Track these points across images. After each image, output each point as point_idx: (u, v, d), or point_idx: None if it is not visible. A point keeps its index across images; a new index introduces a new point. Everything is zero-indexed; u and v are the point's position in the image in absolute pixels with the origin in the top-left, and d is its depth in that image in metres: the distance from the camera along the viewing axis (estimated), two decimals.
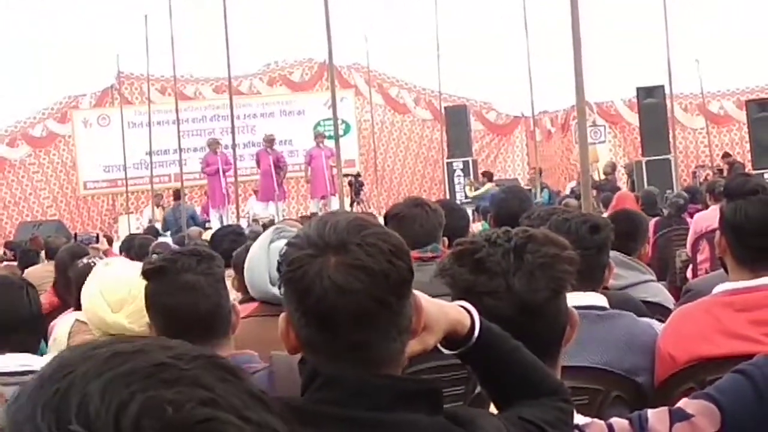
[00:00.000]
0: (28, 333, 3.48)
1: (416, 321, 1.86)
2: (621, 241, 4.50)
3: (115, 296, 3.66)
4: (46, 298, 7.39)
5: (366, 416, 1.73)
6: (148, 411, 0.79)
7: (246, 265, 3.92)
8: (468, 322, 1.96)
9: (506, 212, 5.56)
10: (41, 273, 9.65)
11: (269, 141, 23.11)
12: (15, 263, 12.28)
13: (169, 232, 20.01)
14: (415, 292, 1.87)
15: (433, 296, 1.99)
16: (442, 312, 1.93)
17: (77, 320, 4.65)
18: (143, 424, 0.78)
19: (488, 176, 24.10)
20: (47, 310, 6.96)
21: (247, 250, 4.21)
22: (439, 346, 1.97)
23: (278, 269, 1.84)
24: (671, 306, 4.75)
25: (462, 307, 1.98)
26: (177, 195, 22.38)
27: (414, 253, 4.13)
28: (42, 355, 4.48)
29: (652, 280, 5.06)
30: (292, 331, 1.83)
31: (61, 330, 4.88)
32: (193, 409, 0.79)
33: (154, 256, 7.74)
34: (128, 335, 0.89)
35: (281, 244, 1.92)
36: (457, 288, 2.20)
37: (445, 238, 4.67)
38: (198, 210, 24.59)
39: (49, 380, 0.84)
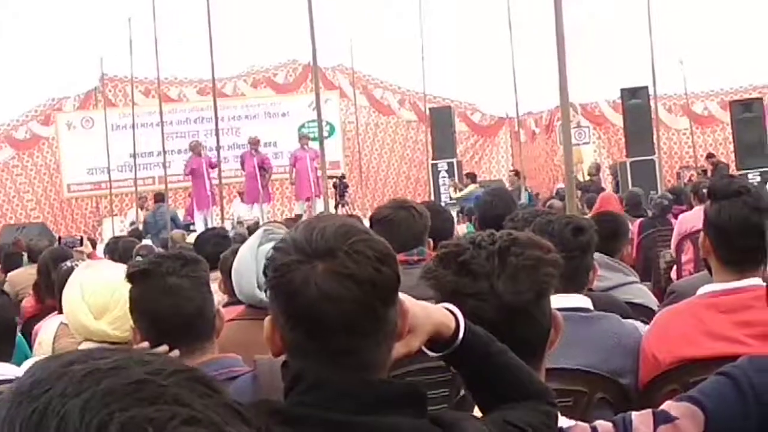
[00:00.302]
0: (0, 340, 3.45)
1: (402, 325, 1.86)
2: (604, 243, 4.50)
3: (97, 302, 3.64)
4: (29, 301, 7.37)
5: (349, 419, 1.72)
6: None
7: (234, 268, 3.91)
8: (453, 324, 1.96)
9: (491, 214, 5.56)
10: (24, 276, 9.62)
11: (254, 143, 23.11)
12: None
13: (149, 235, 19.93)
14: (401, 295, 1.87)
15: (419, 299, 1.99)
16: (427, 314, 1.93)
17: (62, 323, 4.63)
18: None
19: (472, 177, 24.12)
20: (30, 314, 6.95)
21: (234, 253, 4.20)
22: (423, 348, 1.97)
23: (264, 273, 1.84)
24: (655, 307, 4.76)
25: (447, 309, 1.98)
26: (158, 197, 22.35)
27: (400, 257, 4.12)
28: (26, 358, 4.47)
29: (635, 282, 5.07)
30: (277, 335, 1.83)
31: (46, 334, 4.85)
32: (175, 429, 0.78)
33: (138, 258, 7.74)
34: (108, 344, 0.88)
35: (270, 247, 1.91)
36: (441, 290, 2.20)
37: (430, 240, 4.67)
38: (180, 213, 24.57)
39: (27, 397, 0.83)
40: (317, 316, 1.76)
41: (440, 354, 1.99)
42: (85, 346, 3.60)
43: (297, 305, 1.76)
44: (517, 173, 24.70)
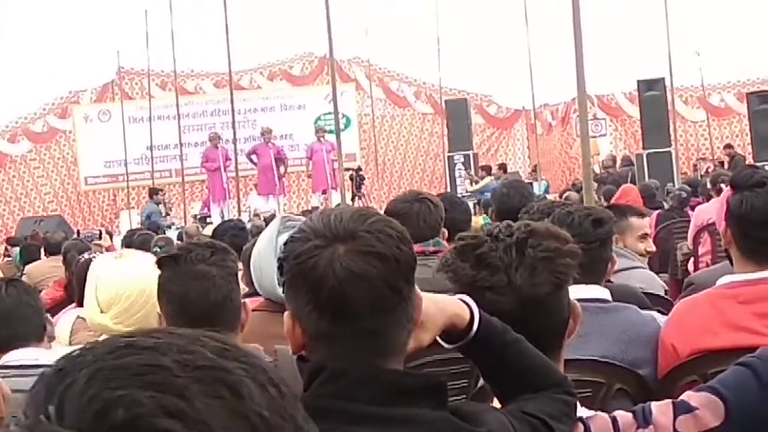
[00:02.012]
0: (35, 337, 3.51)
1: (416, 314, 1.86)
2: None
3: (104, 297, 3.67)
4: (49, 293, 7.40)
5: (369, 410, 1.73)
6: (104, 411, 0.78)
7: (253, 262, 3.88)
8: (467, 315, 1.96)
9: (508, 207, 5.55)
10: (43, 269, 9.68)
11: (268, 133, 23.10)
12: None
13: None
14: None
15: (436, 292, 2.00)
16: (439, 308, 1.94)
17: (78, 317, 4.64)
18: (97, 423, 0.77)
19: (487, 170, 24.09)
20: (49, 306, 6.96)
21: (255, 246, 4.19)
22: (438, 339, 1.97)
23: (280, 266, 1.84)
24: (661, 292, 4.76)
25: (462, 300, 1.99)
26: (151, 192, 22.54)
27: (416, 247, 4.13)
28: None
29: (640, 267, 5.06)
30: (298, 329, 1.82)
31: (63, 328, 4.85)
32: (148, 417, 0.77)
33: (156, 249, 7.76)
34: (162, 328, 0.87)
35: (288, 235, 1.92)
36: (459, 283, 2.20)
37: (445, 231, 4.67)
38: (197, 206, 24.70)
39: (68, 356, 0.85)
40: (344, 298, 1.76)
41: (455, 345, 2.00)
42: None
43: (323, 289, 1.76)
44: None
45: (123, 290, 3.55)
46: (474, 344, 1.98)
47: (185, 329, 0.89)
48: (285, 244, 1.85)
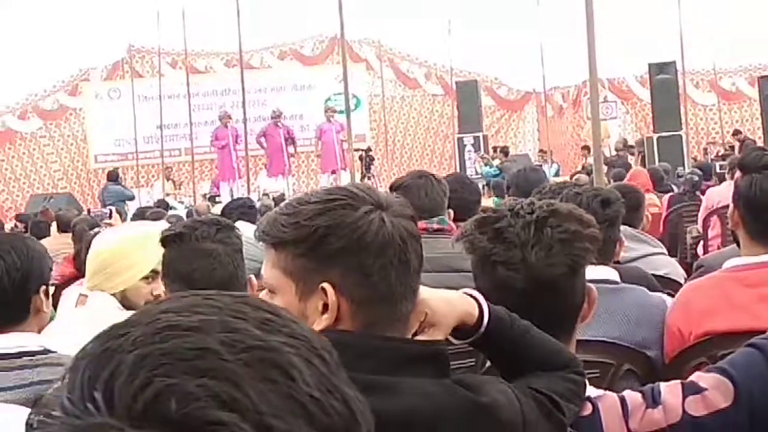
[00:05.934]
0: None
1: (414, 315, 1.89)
2: (626, 215, 4.49)
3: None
4: (59, 269, 7.41)
5: (371, 379, 1.71)
6: (156, 402, 0.75)
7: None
8: (476, 311, 1.97)
9: (528, 188, 5.54)
10: (53, 245, 9.69)
11: (278, 116, 23.08)
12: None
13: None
14: (424, 289, 1.90)
15: (457, 270, 2.01)
16: (451, 306, 1.95)
17: (81, 294, 4.63)
18: (149, 414, 0.75)
19: (504, 151, 24.01)
20: (59, 281, 6.99)
21: None
22: (448, 336, 1.98)
23: (322, 237, 1.78)
24: (681, 280, 4.74)
25: (470, 295, 1.99)
26: (111, 176, 22.66)
27: (420, 224, 4.13)
28: None
29: (661, 253, 5.05)
30: (342, 300, 1.78)
31: (66, 306, 4.85)
32: (202, 409, 0.75)
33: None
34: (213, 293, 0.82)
35: None
36: (474, 253, 2.21)
37: (451, 211, 4.66)
38: (206, 185, 24.73)
39: (109, 335, 0.82)
40: (407, 256, 1.80)
41: (466, 341, 2.00)
42: None
43: (389, 249, 1.78)
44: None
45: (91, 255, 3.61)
46: (483, 339, 1.98)
47: (221, 294, 0.86)
48: (311, 218, 1.79)
